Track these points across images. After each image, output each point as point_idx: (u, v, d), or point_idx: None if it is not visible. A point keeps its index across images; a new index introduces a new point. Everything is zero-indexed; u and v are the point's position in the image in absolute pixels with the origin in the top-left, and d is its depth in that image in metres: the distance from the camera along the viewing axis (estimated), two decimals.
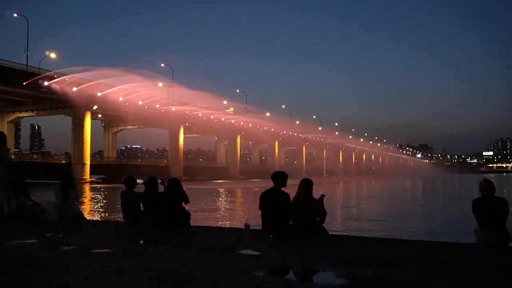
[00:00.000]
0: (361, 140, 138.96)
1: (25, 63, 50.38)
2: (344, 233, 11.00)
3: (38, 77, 49.31)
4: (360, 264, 4.53)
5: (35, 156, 75.15)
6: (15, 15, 56.24)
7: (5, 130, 54.59)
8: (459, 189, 49.37)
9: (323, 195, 6.29)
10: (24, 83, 47.90)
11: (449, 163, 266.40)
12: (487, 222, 5.56)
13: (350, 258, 4.87)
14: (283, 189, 6.35)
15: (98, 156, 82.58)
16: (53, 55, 55.52)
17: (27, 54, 51.30)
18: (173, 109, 62.67)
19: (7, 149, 8.61)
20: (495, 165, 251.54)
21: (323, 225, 6.48)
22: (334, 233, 8.72)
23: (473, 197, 5.90)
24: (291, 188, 6.29)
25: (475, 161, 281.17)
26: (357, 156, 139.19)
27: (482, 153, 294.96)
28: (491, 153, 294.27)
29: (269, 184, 6.43)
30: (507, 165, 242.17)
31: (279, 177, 6.36)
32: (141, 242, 6.10)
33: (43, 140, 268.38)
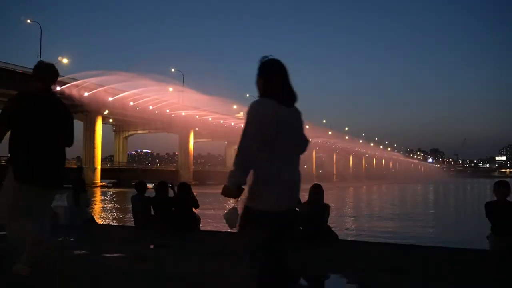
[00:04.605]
0: (372, 144, 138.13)
1: None
2: (355, 239, 10.89)
3: None
4: (371, 270, 4.48)
5: None
6: (28, 21, 57.10)
7: None
8: (475, 194, 48.72)
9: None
10: None
11: (461, 168, 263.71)
12: (499, 227, 5.46)
13: (361, 264, 4.82)
14: None
15: (109, 161, 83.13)
16: (65, 60, 56.20)
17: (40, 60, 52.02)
18: (183, 113, 63.01)
19: None
20: (508, 170, 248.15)
21: (333, 230, 6.44)
22: (345, 238, 8.64)
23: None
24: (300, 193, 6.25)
25: (488, 166, 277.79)
26: (367, 161, 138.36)
27: (494, 157, 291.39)
28: (503, 157, 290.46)
29: None
30: None
31: None
32: (151, 246, 6.11)
33: None
